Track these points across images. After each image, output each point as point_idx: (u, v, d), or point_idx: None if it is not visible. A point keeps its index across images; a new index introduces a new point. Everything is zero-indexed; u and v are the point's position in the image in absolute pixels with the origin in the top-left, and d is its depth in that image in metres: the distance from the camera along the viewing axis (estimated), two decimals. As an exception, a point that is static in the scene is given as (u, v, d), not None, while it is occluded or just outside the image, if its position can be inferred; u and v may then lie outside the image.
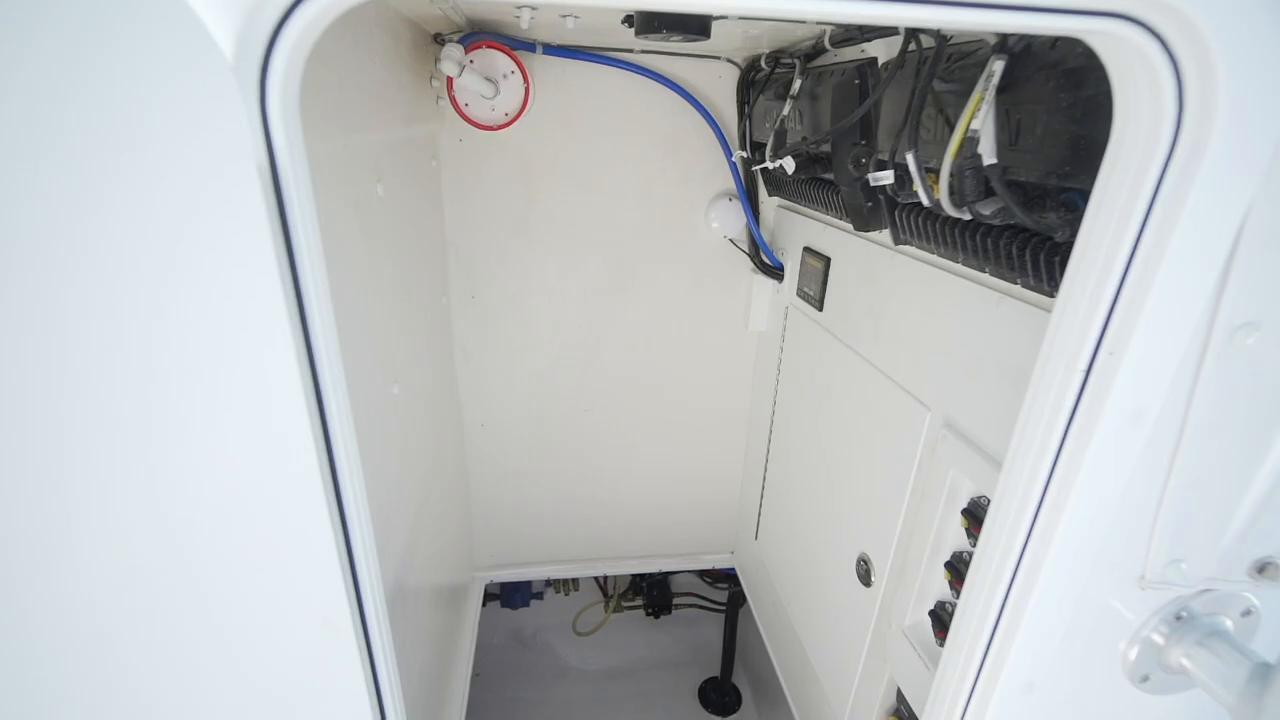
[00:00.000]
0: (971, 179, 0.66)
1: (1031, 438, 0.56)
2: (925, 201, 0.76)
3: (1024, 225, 0.73)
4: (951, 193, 0.71)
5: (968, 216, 0.73)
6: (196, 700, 0.49)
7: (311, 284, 0.44)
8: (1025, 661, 0.61)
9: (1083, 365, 0.49)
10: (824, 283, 1.39)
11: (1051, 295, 0.74)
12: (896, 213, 1.00)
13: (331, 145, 0.72)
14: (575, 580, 2.41)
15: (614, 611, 2.44)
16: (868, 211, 1.09)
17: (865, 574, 1.22)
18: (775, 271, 1.63)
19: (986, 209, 0.69)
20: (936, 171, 0.74)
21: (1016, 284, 0.79)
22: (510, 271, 1.66)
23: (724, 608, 2.33)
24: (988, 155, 0.62)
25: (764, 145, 1.34)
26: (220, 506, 0.43)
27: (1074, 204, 0.62)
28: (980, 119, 0.61)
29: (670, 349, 1.80)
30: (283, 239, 0.39)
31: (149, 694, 0.47)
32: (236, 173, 0.35)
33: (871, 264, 1.22)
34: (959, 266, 0.96)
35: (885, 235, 1.15)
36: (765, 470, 1.79)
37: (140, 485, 0.42)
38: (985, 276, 0.90)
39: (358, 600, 0.49)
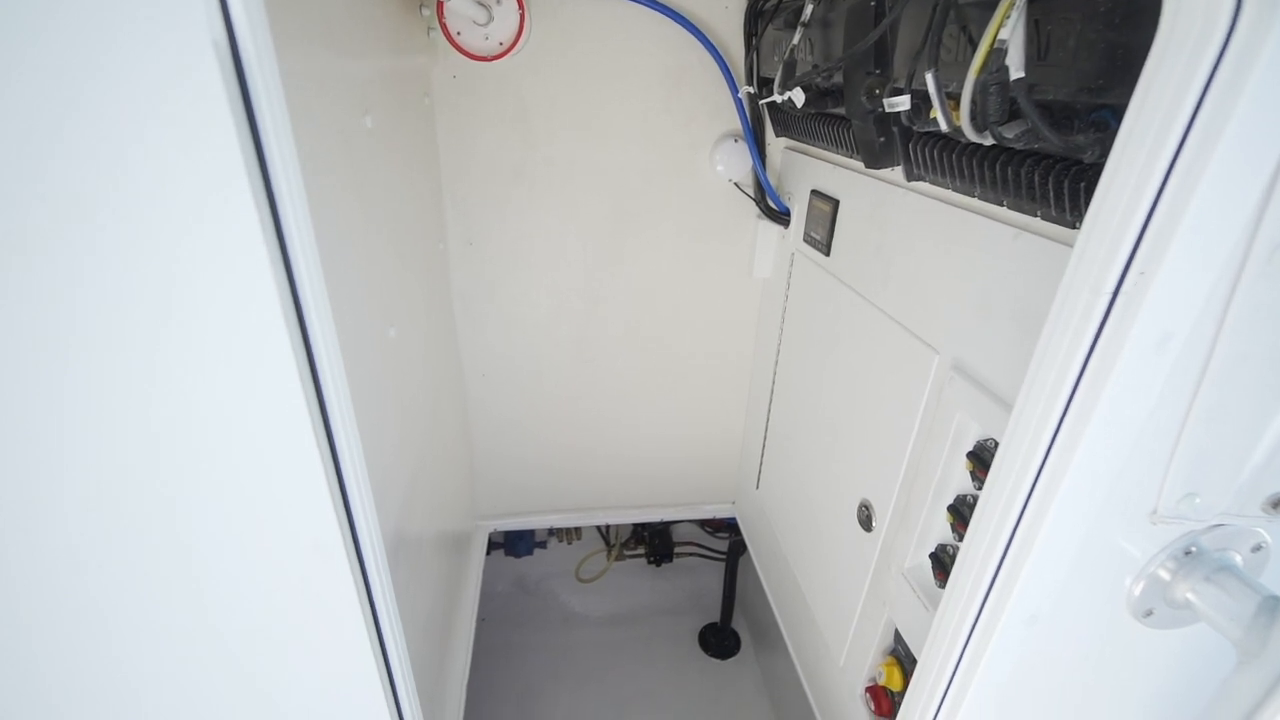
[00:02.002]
0: (996, 97, 0.61)
1: (1049, 369, 0.53)
2: (944, 127, 0.72)
3: (1048, 150, 0.69)
4: (973, 116, 0.66)
5: (989, 142, 0.69)
6: (184, 648, 0.48)
7: (287, 195, 0.41)
8: (1029, 595, 0.61)
9: (1109, 288, 0.46)
10: (831, 226, 1.35)
11: (1073, 226, 0.71)
12: (911, 145, 0.95)
13: (311, 64, 0.68)
14: (578, 529, 2.44)
15: (616, 560, 2.49)
16: (880, 147, 1.04)
17: (866, 520, 1.22)
18: (781, 217, 1.58)
19: (1010, 132, 0.65)
20: (957, 97, 0.70)
21: (1036, 215, 0.76)
22: (508, 218, 1.62)
23: (724, 556, 2.38)
24: (1015, 68, 0.58)
25: (772, 80, 1.27)
26: (199, 440, 0.41)
27: (1105, 123, 0.58)
28: (1009, 27, 0.56)
29: (672, 298, 1.77)
30: (250, 135, 0.36)
31: (134, 638, 0.46)
32: (188, 43, 0.31)
33: (882, 205, 1.18)
34: (974, 202, 0.92)
35: (897, 173, 1.10)
36: (767, 420, 1.78)
37: (109, 426, 0.41)
38: (1001, 212, 0.87)
39: (354, 538, 0.48)
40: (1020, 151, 0.74)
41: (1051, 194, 0.68)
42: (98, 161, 0.36)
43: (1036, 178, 0.70)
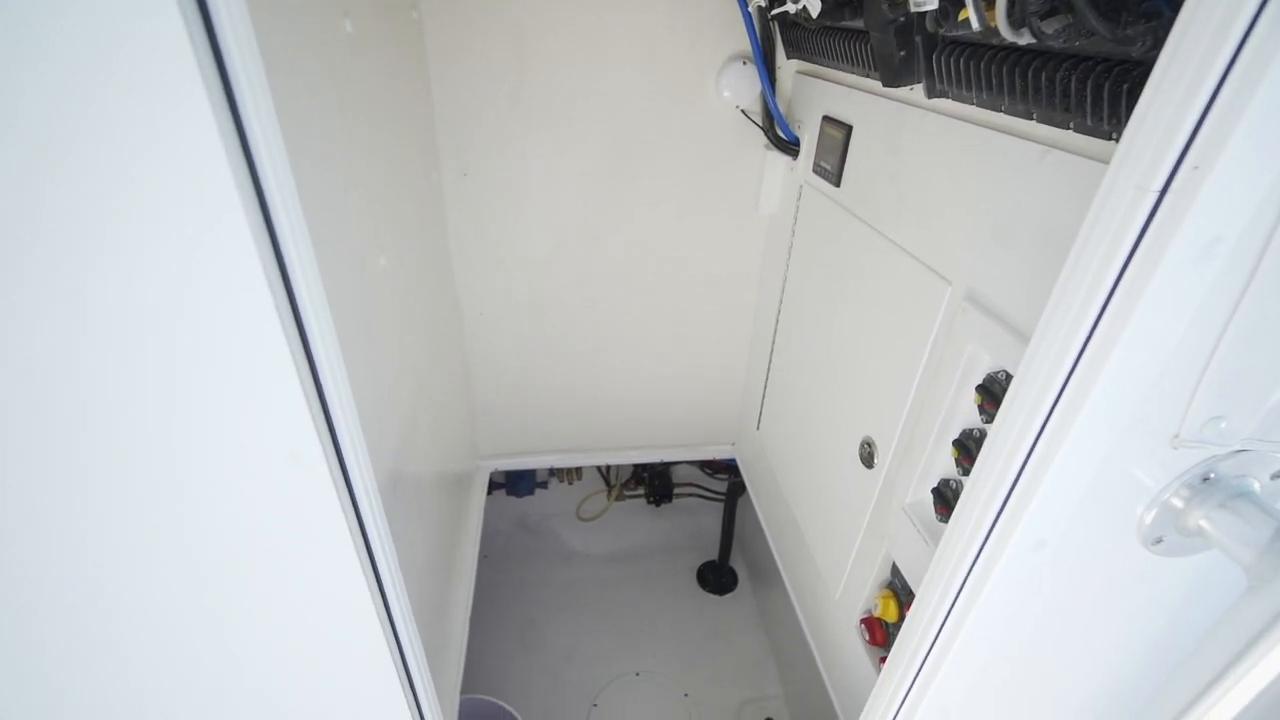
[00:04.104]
0: (1038, -17, 0.55)
1: (1079, 283, 0.50)
2: (976, 25, 0.66)
3: (1088, 51, 0.64)
4: (1010, 10, 0.60)
5: (1025, 40, 0.63)
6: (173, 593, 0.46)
7: (248, 88, 0.37)
8: (1039, 522, 0.59)
9: (1158, 185, 0.42)
10: (843, 154, 1.28)
11: (1109, 137, 0.66)
12: (935, 56, 0.88)
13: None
14: (578, 470, 2.46)
15: (616, 500, 2.52)
16: (900, 62, 0.97)
17: (868, 457, 1.21)
18: (790, 146, 1.51)
19: (1050, 27, 0.59)
20: (989, -3, 0.64)
21: (1069, 128, 0.70)
22: (504, 147, 1.54)
23: (723, 497, 2.40)
24: (1063, -53, 0.52)
25: (785, -8, 1.18)
26: (159, 331, 0.38)
27: (1158, 11, 0.53)
28: (1060, -105, 0.50)
29: (675, 235, 1.71)
30: (201, 22, 0.32)
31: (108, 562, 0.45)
32: None
33: (898, 128, 1.11)
34: (999, 119, 0.86)
35: (916, 94, 1.04)
36: (770, 360, 1.76)
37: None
38: (1028, 128, 0.81)
39: (337, 453, 0.46)
40: (1055, 55, 0.68)
41: (1089, 99, 0.63)
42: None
43: (1073, 82, 0.64)
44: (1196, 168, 0.40)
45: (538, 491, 2.47)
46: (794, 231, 1.55)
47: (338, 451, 0.42)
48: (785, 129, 1.49)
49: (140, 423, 0.38)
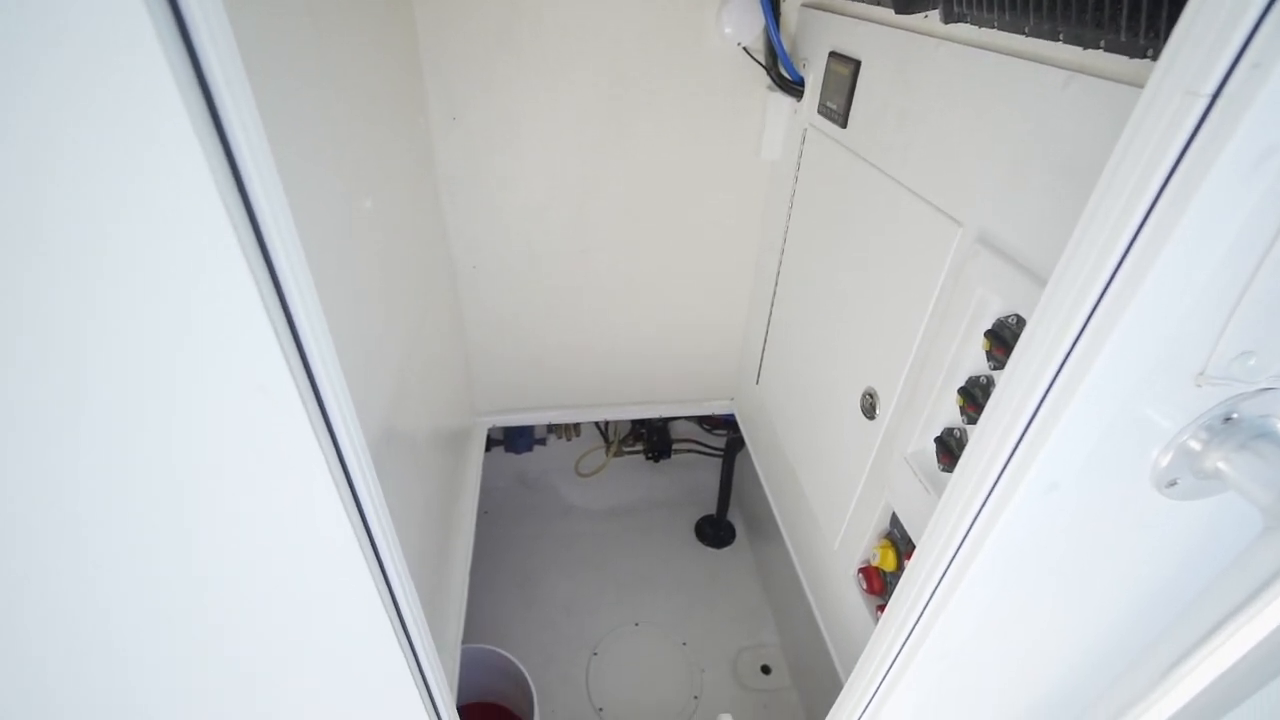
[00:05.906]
0: None
1: (1111, 207, 0.46)
2: (1003, -71, 0.60)
3: (1127, -44, 0.58)
4: (1042, -92, 0.55)
5: (1058, -56, 0.57)
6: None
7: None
8: (1052, 465, 0.57)
9: (1210, 88, 0.38)
10: (850, 93, 1.22)
11: (1145, 54, 0.61)
12: (954, -25, 0.82)
13: None
14: (577, 426, 2.45)
15: (615, 456, 2.52)
16: (915, -16, 0.91)
17: (870, 407, 1.19)
18: (794, 87, 1.43)
19: (1087, -74, 0.54)
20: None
21: (1099, 46, 0.65)
22: (495, 90, 1.47)
23: (721, 453, 2.40)
24: None
25: (791, -89, 1.10)
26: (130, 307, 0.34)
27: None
28: None
29: (673, 182, 1.65)
30: None
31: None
32: None
33: (909, 61, 1.04)
34: (1019, 43, 0.80)
35: (930, 21, 0.97)
36: (770, 313, 1.72)
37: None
38: (1051, 52, 0.76)
39: (311, 385, 0.43)
40: (1089, -35, 0.63)
41: (1125, 11, 0.58)
42: None
43: (1108, -7, 0.59)
44: (1257, 65, 0.36)
45: (536, 448, 2.47)
46: (797, 177, 1.49)
47: (313, 387, 0.39)
48: (789, 67, 1.42)
49: (97, 358, 0.34)
